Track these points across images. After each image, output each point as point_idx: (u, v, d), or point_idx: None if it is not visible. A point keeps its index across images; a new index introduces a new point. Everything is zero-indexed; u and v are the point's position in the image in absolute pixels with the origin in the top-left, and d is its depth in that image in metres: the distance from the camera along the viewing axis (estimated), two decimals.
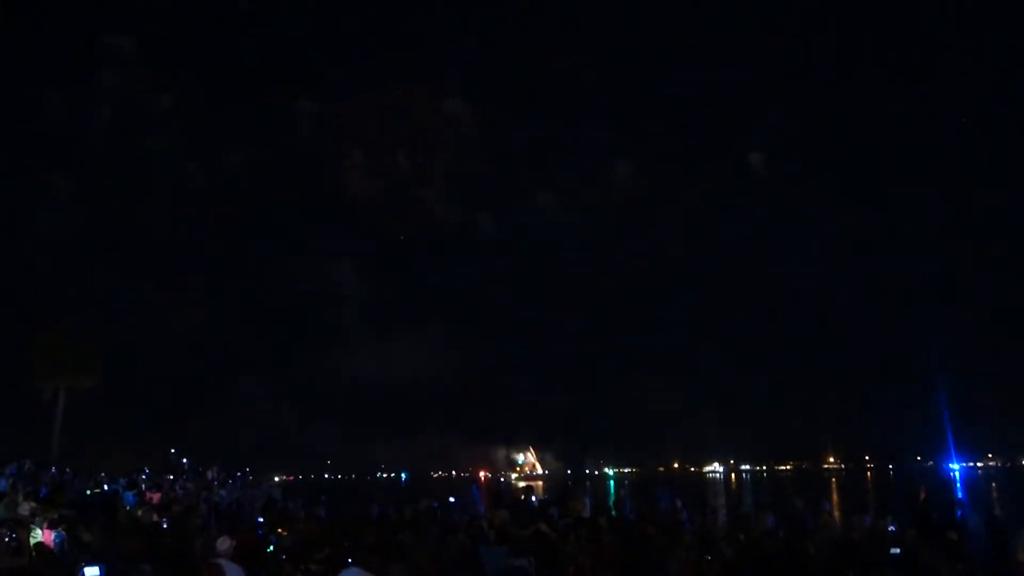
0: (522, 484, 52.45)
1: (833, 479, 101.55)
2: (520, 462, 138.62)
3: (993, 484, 75.64)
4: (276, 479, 60.65)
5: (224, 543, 9.66)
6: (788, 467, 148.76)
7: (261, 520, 15.89)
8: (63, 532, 12.11)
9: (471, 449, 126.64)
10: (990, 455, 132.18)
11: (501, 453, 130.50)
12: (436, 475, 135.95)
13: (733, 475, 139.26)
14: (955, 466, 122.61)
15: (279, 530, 13.12)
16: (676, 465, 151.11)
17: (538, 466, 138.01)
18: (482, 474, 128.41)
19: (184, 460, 35.84)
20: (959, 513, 13.67)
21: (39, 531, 12.03)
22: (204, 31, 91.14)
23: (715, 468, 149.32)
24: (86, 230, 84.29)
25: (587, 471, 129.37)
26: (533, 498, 16.89)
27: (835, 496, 50.25)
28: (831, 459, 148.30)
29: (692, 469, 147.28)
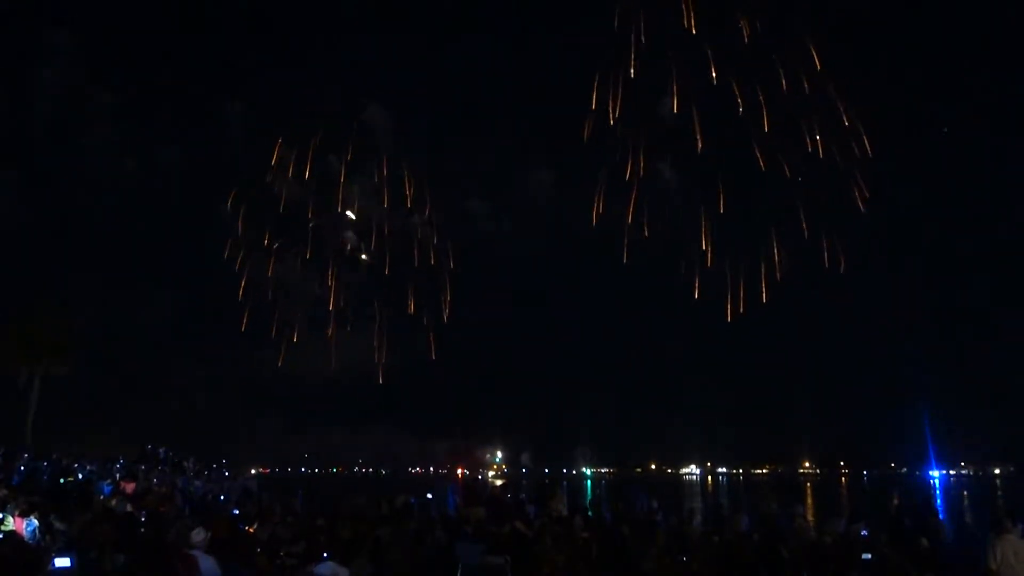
0: (499, 482, 52.52)
1: (808, 484, 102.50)
2: (497, 459, 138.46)
3: (965, 492, 76.69)
4: (252, 472, 60.36)
5: (199, 534, 9.59)
6: (764, 471, 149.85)
7: (237, 512, 15.80)
8: (35, 520, 11.97)
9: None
10: (963, 464, 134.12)
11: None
12: (414, 471, 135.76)
13: (710, 478, 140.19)
14: (934, 473, 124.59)
15: (248, 529, 12.98)
16: (653, 466, 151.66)
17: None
18: (459, 471, 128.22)
19: (161, 450, 35.43)
20: (930, 520, 13.84)
21: (11, 519, 11.88)
22: (141, 27, 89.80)
23: (692, 470, 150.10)
24: (32, 223, 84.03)
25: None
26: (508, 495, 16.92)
27: (809, 501, 50.69)
28: (807, 464, 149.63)
29: (669, 471, 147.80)
